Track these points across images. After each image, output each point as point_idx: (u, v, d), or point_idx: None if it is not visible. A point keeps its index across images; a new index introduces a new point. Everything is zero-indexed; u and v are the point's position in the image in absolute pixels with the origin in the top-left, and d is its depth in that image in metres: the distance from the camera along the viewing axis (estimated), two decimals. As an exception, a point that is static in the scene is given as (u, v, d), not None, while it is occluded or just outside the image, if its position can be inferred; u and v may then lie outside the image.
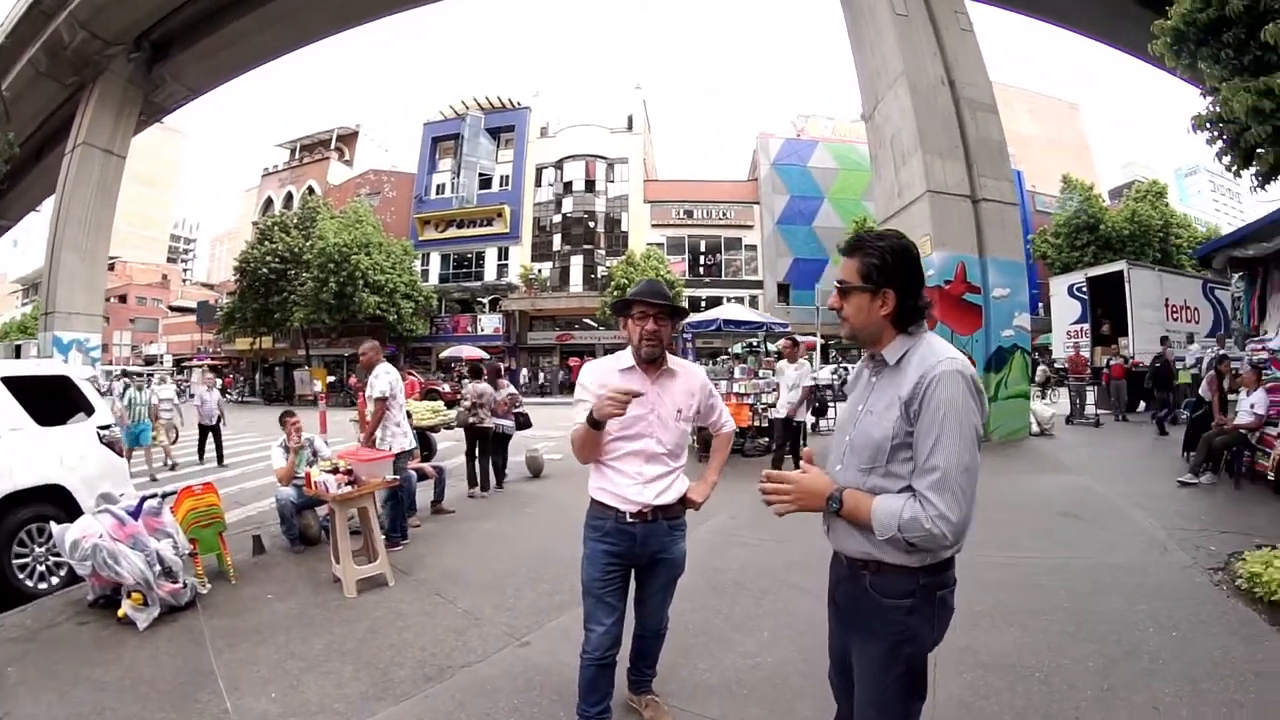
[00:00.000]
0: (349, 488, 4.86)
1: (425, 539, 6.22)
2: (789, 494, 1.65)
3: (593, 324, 34.02)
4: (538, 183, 37.87)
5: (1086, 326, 17.01)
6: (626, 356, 2.47)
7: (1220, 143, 9.93)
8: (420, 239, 37.30)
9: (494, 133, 39.32)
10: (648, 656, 2.82)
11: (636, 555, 2.48)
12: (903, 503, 1.51)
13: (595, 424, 2.24)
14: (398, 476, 5.63)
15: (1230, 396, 8.09)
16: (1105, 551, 5.30)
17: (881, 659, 1.63)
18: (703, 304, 32.07)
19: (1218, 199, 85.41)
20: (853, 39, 14.15)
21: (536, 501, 7.82)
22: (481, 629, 4.07)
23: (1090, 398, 14.34)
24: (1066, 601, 4.22)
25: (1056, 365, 18.53)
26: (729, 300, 30.86)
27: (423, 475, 6.94)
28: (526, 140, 38.62)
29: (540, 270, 35.90)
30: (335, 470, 4.93)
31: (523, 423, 8.90)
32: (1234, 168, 10.07)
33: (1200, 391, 9.35)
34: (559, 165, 37.43)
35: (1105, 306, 16.31)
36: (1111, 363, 14.66)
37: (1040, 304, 24.17)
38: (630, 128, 39.23)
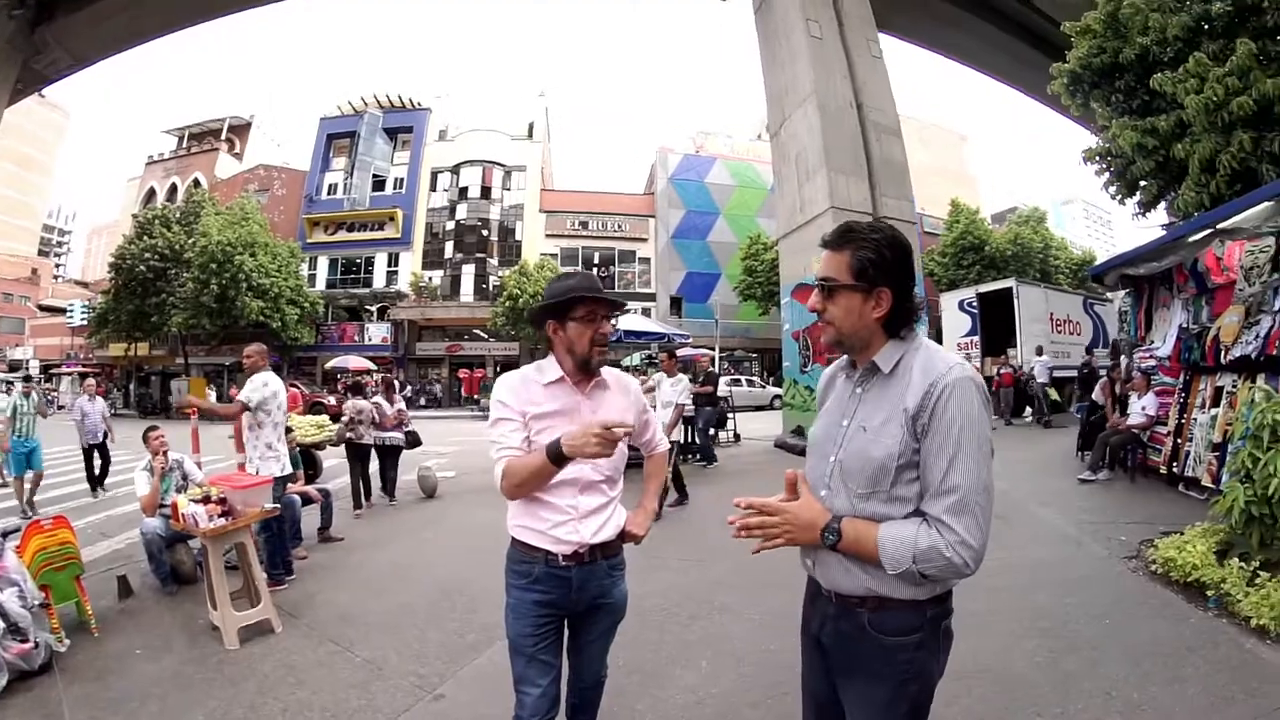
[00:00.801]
0: (223, 520, 4.08)
1: (314, 573, 5.48)
2: (777, 527, 1.39)
3: (483, 335, 32.96)
4: (433, 187, 36.40)
5: (977, 339, 17.94)
6: (550, 367, 2.01)
7: (1108, 174, 11.38)
8: (308, 241, 34.81)
9: (391, 133, 37.53)
10: (588, 708, 2.30)
11: (573, 603, 2.02)
12: (915, 530, 1.30)
13: (558, 459, 1.78)
14: (278, 505, 4.82)
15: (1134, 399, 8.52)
16: (1025, 549, 5.37)
17: (885, 701, 1.40)
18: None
19: (1090, 226, 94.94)
20: (764, 57, 14.40)
21: (432, 525, 7.16)
22: (387, 681, 3.53)
23: None
24: (1005, 601, 4.16)
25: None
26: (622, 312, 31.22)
27: (307, 499, 6.21)
28: (424, 143, 37.06)
29: (431, 278, 34.38)
30: (206, 499, 4.13)
31: (412, 441, 8.52)
32: (1119, 196, 11.57)
33: (1094, 396, 10.05)
34: (456, 170, 36.05)
35: (994, 320, 17.32)
36: (1002, 371, 15.64)
37: (927, 318, 25.45)
38: (531, 135, 38.46)
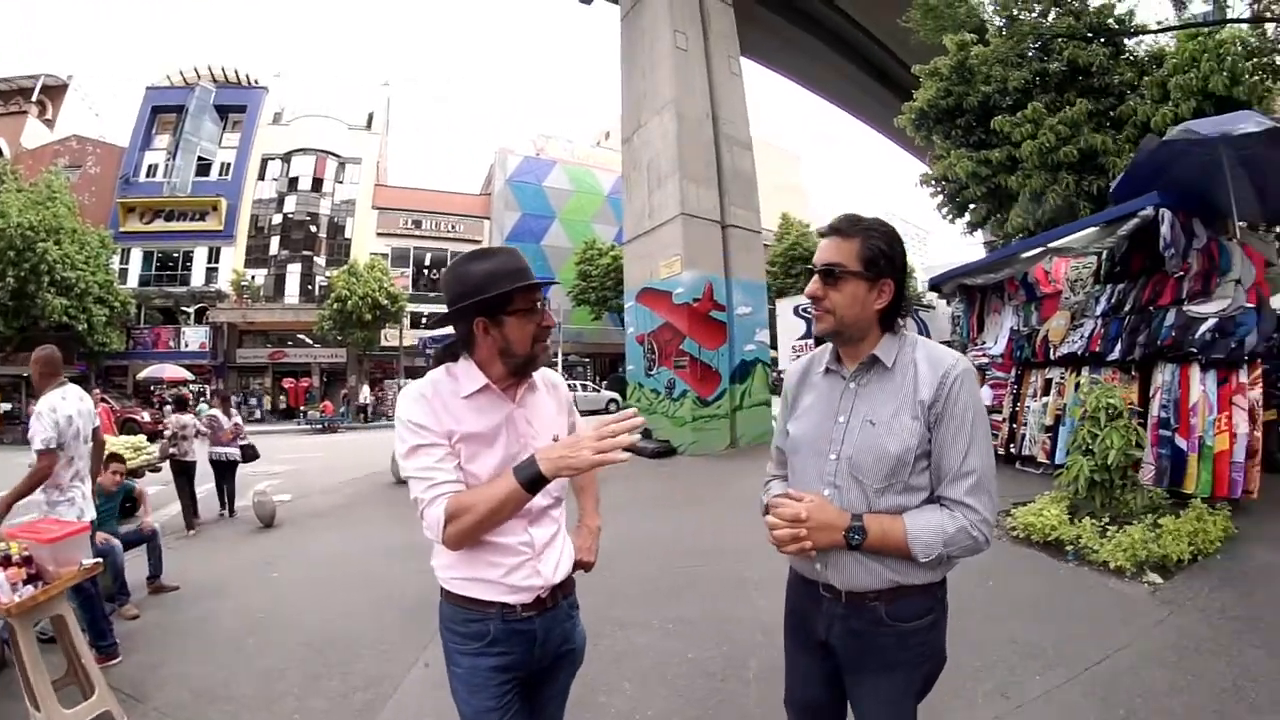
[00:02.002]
0: (30, 587, 2.90)
1: (150, 638, 4.24)
2: (800, 531, 1.36)
3: (309, 341, 30.48)
4: (261, 176, 32.82)
5: (810, 343, 19.02)
6: (469, 375, 1.57)
7: (942, 196, 13.13)
8: (121, 230, 29.84)
9: (222, 111, 33.32)
10: None
11: (537, 659, 1.63)
12: (942, 516, 1.35)
13: (536, 483, 1.40)
14: (99, 560, 3.47)
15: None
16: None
17: (903, 687, 1.45)
18: (424, 320, 30.75)
19: (908, 243, 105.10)
20: (626, 62, 14.57)
21: (278, 561, 6.02)
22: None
23: None
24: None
25: (782, 375, 20.78)
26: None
27: (133, 540, 5.06)
28: (257, 125, 33.33)
29: (254, 277, 30.99)
30: (6, 560, 2.90)
31: (249, 454, 8.12)
32: (950, 216, 13.42)
33: None
34: (287, 158, 32.92)
35: None
36: None
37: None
38: (370, 126, 36.03)
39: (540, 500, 1.56)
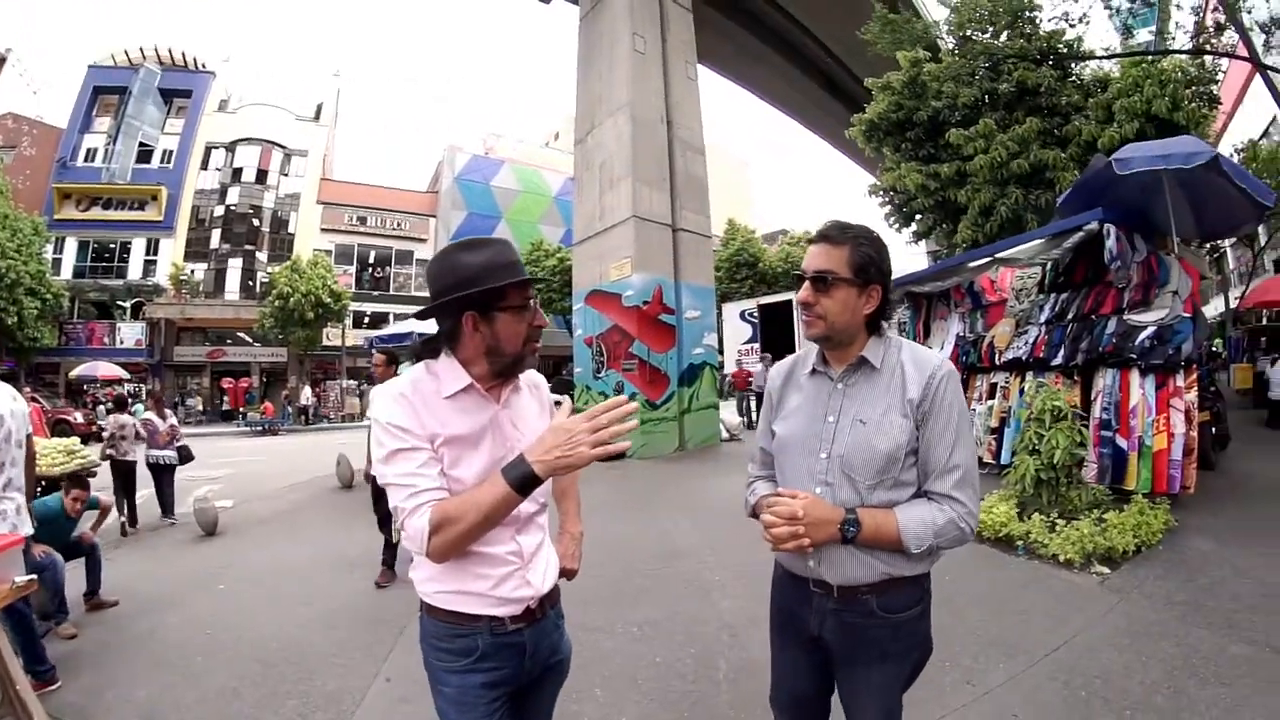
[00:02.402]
0: None
1: (92, 658, 3.91)
2: (799, 528, 1.37)
3: (249, 339, 29.58)
4: (204, 165, 31.39)
5: (756, 346, 19.68)
6: (451, 373, 1.45)
7: (890, 206, 13.61)
8: (56, 217, 28.11)
9: (167, 95, 31.70)
10: None
11: (527, 672, 1.56)
12: (931, 510, 1.41)
13: (528, 485, 1.31)
14: (34, 577, 2.89)
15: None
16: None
17: (893, 675, 1.51)
18: (366, 320, 30.13)
19: None
20: (582, 63, 14.56)
21: (223, 571, 5.63)
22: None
23: (753, 406, 16.60)
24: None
25: (725, 379, 21.17)
26: (395, 318, 29.48)
27: (73, 551, 4.64)
28: (202, 111, 31.88)
29: (193, 271, 29.67)
30: None
31: (185, 456, 7.91)
32: (896, 226, 13.86)
33: None
34: (232, 148, 31.29)
35: (773, 329, 19.09)
36: None
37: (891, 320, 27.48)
38: (318, 118, 35.15)
39: (527, 506, 1.48)
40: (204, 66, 33.87)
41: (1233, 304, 15.87)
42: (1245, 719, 2.58)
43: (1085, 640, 3.33)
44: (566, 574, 1.75)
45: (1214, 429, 7.08)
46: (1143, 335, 5.58)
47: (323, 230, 32.18)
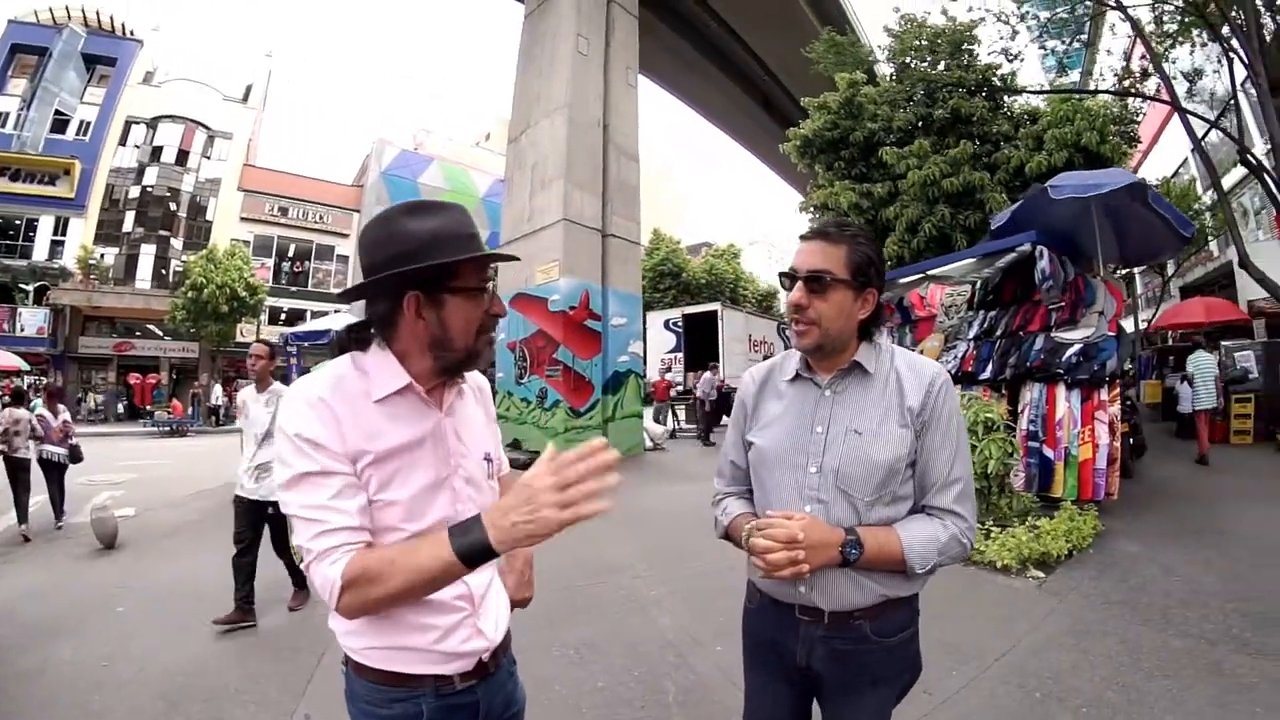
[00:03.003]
0: None
1: None
2: (798, 553, 1.23)
3: (159, 332, 27.47)
4: (123, 141, 28.87)
5: (680, 355, 19.95)
6: (384, 371, 1.16)
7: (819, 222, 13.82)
8: None
9: (90, 61, 28.88)
10: None
11: None
12: (934, 526, 1.32)
13: (478, 557, 1.03)
14: None
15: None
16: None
17: (886, 698, 1.43)
18: (282, 316, 28.93)
19: (771, 265, 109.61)
20: (523, 60, 14.40)
21: (123, 592, 4.97)
22: None
23: (672, 416, 17.04)
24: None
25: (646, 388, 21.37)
26: (312, 314, 28.47)
27: None
28: (125, 82, 29.28)
29: (103, 256, 27.26)
30: None
31: (74, 455, 7.44)
32: None
33: None
34: (154, 124, 29.31)
35: (697, 338, 19.29)
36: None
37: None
38: (246, 99, 33.01)
39: None
40: (132, 34, 31.34)
41: (1142, 325, 17.16)
42: (1192, 708, 2.74)
43: (1032, 642, 3.46)
44: (520, 604, 1.52)
45: (1131, 440, 7.55)
46: (1070, 352, 5.92)
47: (242, 219, 30.38)
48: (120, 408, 25.98)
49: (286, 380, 4.85)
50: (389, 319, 1.15)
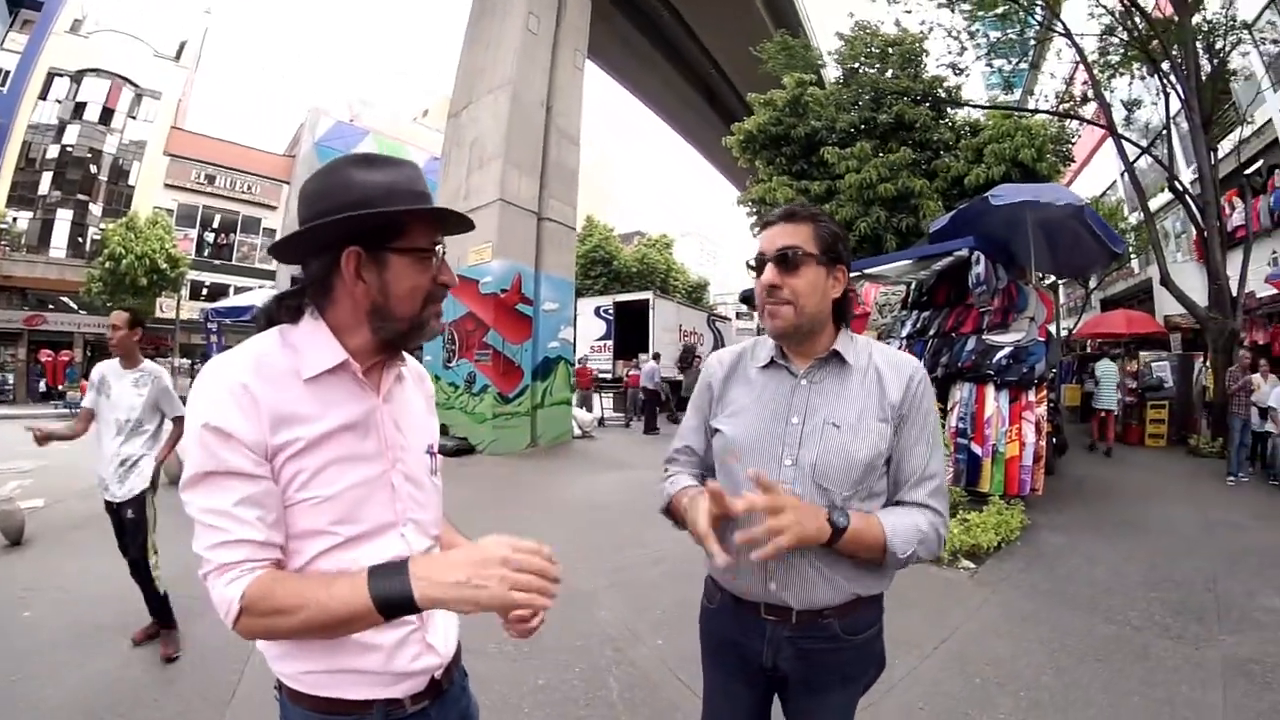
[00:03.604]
0: None
1: None
2: (788, 524, 1.14)
3: (74, 306, 25.42)
4: (43, 94, 26.13)
5: (610, 343, 19.85)
6: (316, 345, 1.02)
7: (756, 216, 14.26)
8: None
9: (13, 4, 25.87)
10: None
11: None
12: (914, 515, 1.29)
13: (399, 609, 0.91)
14: None
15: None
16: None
17: (852, 695, 1.42)
18: (204, 291, 27.31)
19: (702, 257, 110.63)
20: (470, 33, 13.95)
21: (29, 595, 4.39)
22: None
23: (599, 403, 17.13)
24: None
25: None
26: (235, 290, 26.87)
27: None
28: (51, 29, 26.40)
29: (15, 219, 24.62)
30: None
31: None
32: None
33: None
34: (78, 78, 26.56)
35: (628, 327, 19.26)
36: (630, 373, 17.21)
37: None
38: (178, 57, 30.56)
39: (419, 542, 1.09)
40: (64, -27, 28.06)
41: (1064, 333, 18.16)
42: (1123, 689, 2.92)
43: (969, 630, 3.60)
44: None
45: (1054, 439, 7.94)
46: (1000, 354, 6.16)
47: (166, 186, 28.14)
48: (43, 386, 24.00)
49: (207, 359, 4.35)
50: (324, 282, 1.02)
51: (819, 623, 1.31)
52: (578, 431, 12.62)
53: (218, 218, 29.68)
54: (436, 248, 1.06)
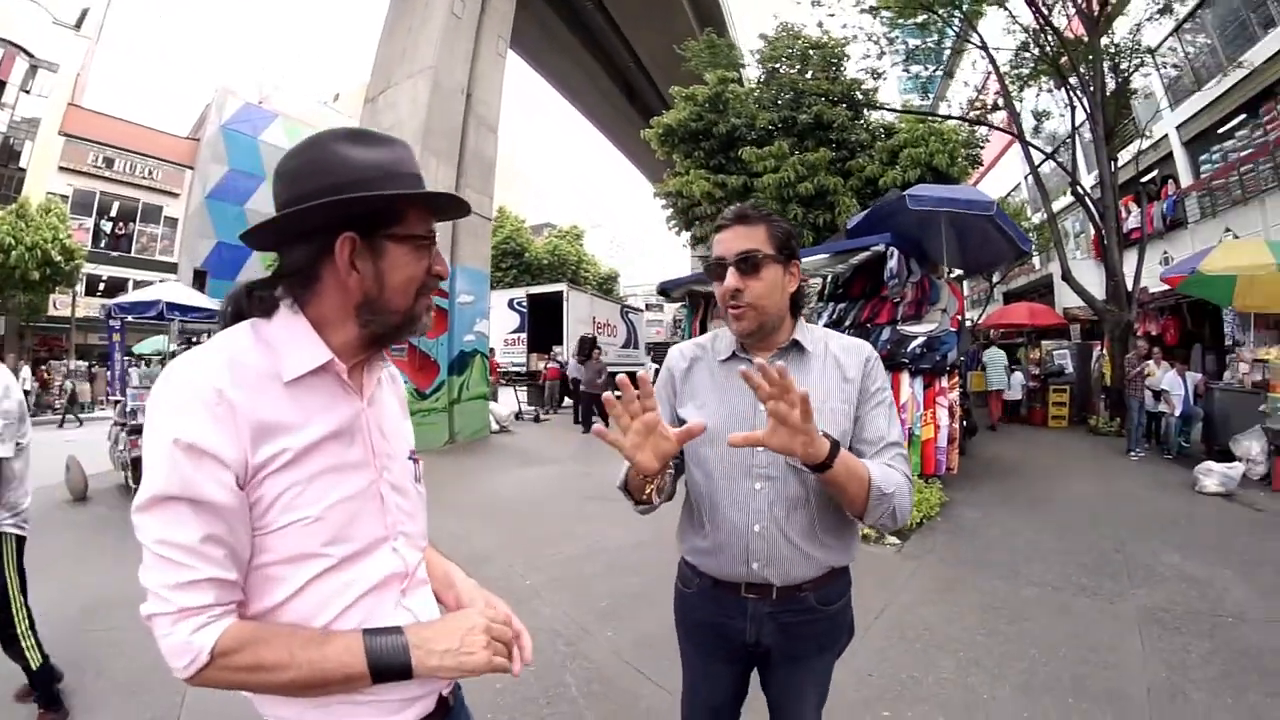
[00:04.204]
0: None
1: None
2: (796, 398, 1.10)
3: None
4: None
5: (524, 335, 19.44)
6: (302, 339, 0.91)
7: (673, 209, 14.57)
8: None
9: None
10: None
11: None
12: (887, 470, 1.32)
13: (394, 674, 0.87)
14: None
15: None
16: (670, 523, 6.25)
17: (829, 662, 1.51)
18: (101, 286, 25.38)
19: (611, 249, 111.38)
20: (393, 14, 13.32)
21: None
22: None
23: (515, 397, 16.92)
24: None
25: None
26: (135, 285, 25.14)
27: None
28: None
29: None
30: None
31: None
32: (676, 228, 15.20)
33: None
34: None
35: (542, 319, 18.96)
36: (548, 366, 16.88)
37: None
38: (79, 26, 27.18)
39: (410, 555, 1.02)
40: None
41: (969, 324, 19.31)
42: (1050, 641, 3.20)
43: (903, 601, 3.80)
44: None
45: (965, 422, 8.39)
46: (914, 344, 6.46)
47: (61, 169, 25.12)
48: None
49: (107, 361, 3.86)
50: (309, 271, 0.91)
51: (797, 596, 1.38)
52: (495, 427, 12.39)
53: (116, 205, 26.85)
54: (432, 238, 0.99)
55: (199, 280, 27.25)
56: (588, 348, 14.29)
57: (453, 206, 1.01)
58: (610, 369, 18.18)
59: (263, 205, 29.74)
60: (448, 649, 0.88)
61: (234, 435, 0.80)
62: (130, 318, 9.79)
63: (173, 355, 8.61)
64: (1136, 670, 2.96)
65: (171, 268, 27.10)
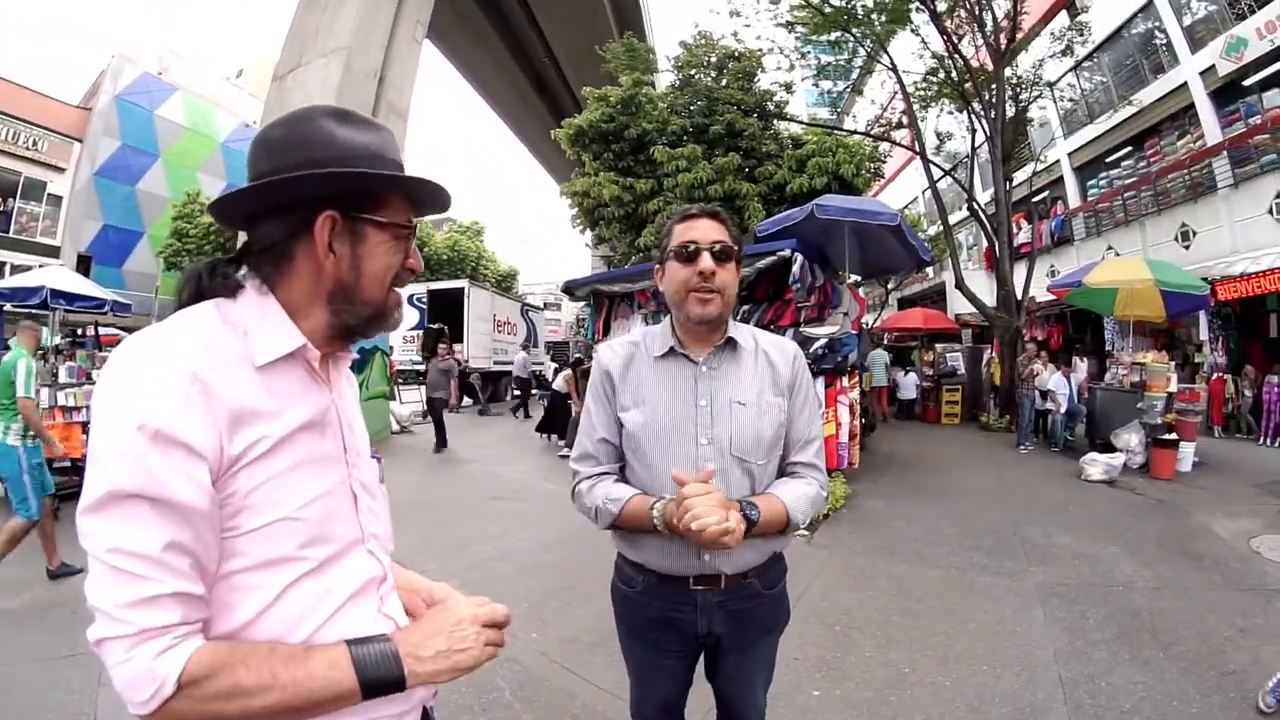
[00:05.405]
0: None
1: None
2: (734, 525, 1.20)
3: None
4: None
5: (420, 334, 18.77)
6: (275, 323, 0.83)
7: (578, 209, 14.57)
8: None
9: None
10: None
11: None
12: (802, 485, 1.45)
13: (387, 687, 0.78)
14: None
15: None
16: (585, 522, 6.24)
17: (774, 642, 1.57)
18: (-17, 269, 22.88)
19: (509, 245, 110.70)
20: None
21: None
22: None
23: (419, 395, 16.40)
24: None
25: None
26: (13, 269, 22.69)
27: None
28: None
29: None
30: None
31: None
32: (581, 228, 15.21)
33: (556, 385, 11.76)
34: None
35: (442, 316, 18.42)
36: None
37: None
38: None
39: (383, 558, 0.97)
40: None
41: (866, 326, 20.43)
42: (959, 617, 3.43)
43: (818, 587, 3.96)
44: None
45: (864, 420, 8.80)
46: (816, 345, 6.72)
47: None
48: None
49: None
50: (283, 249, 0.84)
51: (743, 583, 1.44)
52: (396, 426, 11.99)
53: (-7, 180, 24.00)
54: (414, 225, 0.93)
55: (83, 265, 24.97)
56: (432, 344, 13.27)
57: (438, 200, 0.95)
58: (504, 366, 18.12)
59: (154, 186, 27.61)
60: (438, 650, 0.81)
61: (209, 421, 0.71)
62: (8, 305, 8.74)
63: (55, 349, 7.72)
64: (1042, 637, 3.22)
65: (54, 251, 24.14)
